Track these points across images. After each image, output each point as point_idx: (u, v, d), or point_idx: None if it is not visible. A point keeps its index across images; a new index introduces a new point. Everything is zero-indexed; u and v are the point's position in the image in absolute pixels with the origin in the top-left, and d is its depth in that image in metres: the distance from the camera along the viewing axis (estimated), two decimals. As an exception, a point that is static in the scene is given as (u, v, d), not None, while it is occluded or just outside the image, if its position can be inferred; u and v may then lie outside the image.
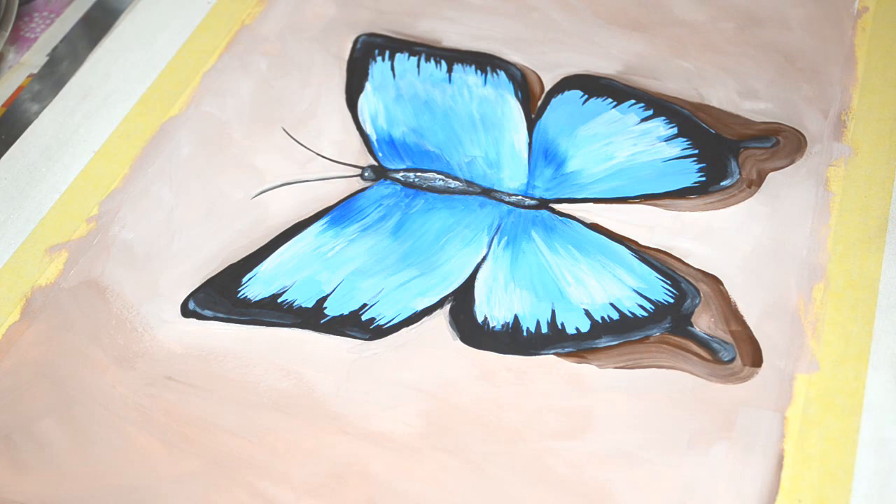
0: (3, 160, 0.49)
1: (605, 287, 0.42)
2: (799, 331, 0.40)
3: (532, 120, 0.48)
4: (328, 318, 0.42)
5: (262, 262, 0.44)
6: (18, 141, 0.50)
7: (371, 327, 0.42)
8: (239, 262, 0.44)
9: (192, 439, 0.39)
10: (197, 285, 0.44)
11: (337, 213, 0.46)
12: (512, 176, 0.46)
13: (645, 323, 0.41)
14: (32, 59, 0.55)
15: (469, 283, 0.43)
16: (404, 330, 0.41)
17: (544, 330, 0.41)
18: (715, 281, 0.42)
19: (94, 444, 0.39)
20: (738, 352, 0.40)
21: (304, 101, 0.50)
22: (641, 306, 0.41)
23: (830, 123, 0.46)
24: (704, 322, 0.41)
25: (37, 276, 0.44)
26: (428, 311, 0.42)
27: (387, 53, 0.52)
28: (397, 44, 0.53)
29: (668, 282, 0.42)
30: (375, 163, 0.48)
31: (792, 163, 0.45)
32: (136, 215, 0.46)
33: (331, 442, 0.38)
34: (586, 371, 0.40)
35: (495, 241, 0.44)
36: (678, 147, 0.47)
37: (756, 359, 0.39)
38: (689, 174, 0.46)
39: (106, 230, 0.46)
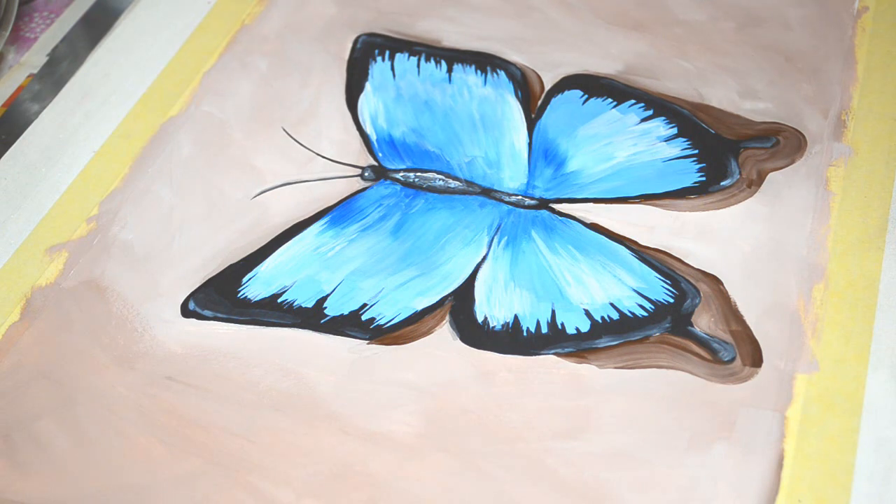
0: (3, 160, 0.49)
1: (605, 287, 0.42)
2: (799, 331, 0.40)
3: (532, 120, 0.48)
4: (328, 318, 0.42)
5: (262, 262, 0.44)
6: (18, 141, 0.50)
7: (371, 327, 0.42)
8: (239, 262, 0.44)
9: (192, 439, 0.39)
10: (197, 285, 0.44)
11: (337, 213, 0.46)
12: (512, 176, 0.46)
13: (645, 323, 0.41)
14: (32, 59, 0.55)
15: (469, 283, 0.43)
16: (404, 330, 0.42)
17: (544, 330, 0.41)
18: (715, 281, 0.42)
19: (94, 444, 0.39)
20: (738, 352, 0.40)
21: (304, 101, 0.50)
22: (641, 306, 0.41)
23: (830, 123, 0.46)
24: (704, 322, 0.41)
25: (37, 276, 0.44)
26: (428, 310, 0.42)
27: (387, 53, 0.52)
28: (397, 44, 0.53)
29: (668, 282, 0.42)
30: (375, 163, 0.47)
31: (792, 163, 0.45)
32: (136, 215, 0.46)
33: (331, 442, 0.38)
34: (586, 371, 0.40)
35: (495, 240, 0.44)
36: (678, 147, 0.47)
37: (756, 359, 0.39)
38: (689, 174, 0.46)
39: (106, 230, 0.46)
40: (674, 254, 0.43)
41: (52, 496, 0.38)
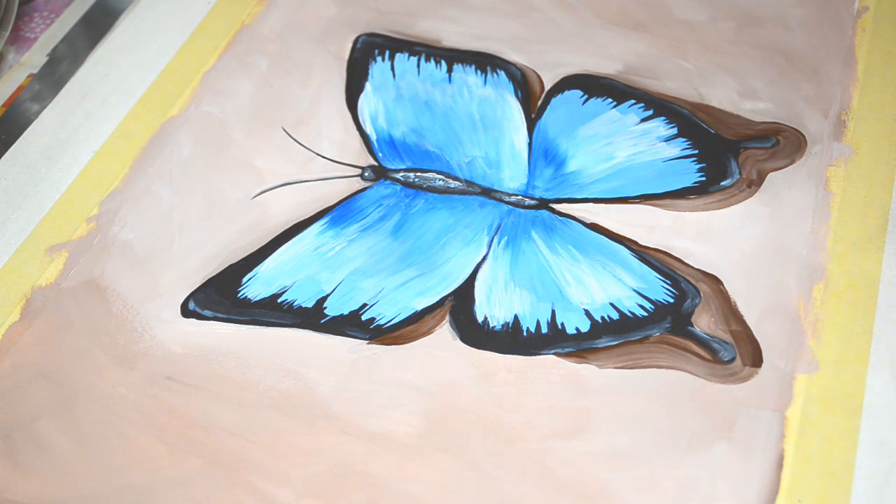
0: (3, 160, 0.49)
1: (605, 287, 0.42)
2: (799, 331, 0.40)
3: (532, 120, 0.48)
4: (328, 318, 0.42)
5: (262, 262, 0.44)
6: (18, 141, 0.50)
7: (371, 327, 0.42)
8: (239, 262, 0.44)
9: (192, 439, 0.39)
10: (197, 285, 0.44)
11: (337, 213, 0.46)
12: (512, 176, 0.46)
13: (645, 323, 0.41)
14: (32, 59, 0.55)
15: (469, 283, 0.43)
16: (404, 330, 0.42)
17: (544, 330, 0.41)
18: (715, 281, 0.42)
19: (94, 444, 0.39)
20: (738, 352, 0.40)
21: (304, 101, 0.50)
22: (641, 306, 0.41)
23: (830, 123, 0.47)
24: (704, 322, 0.41)
25: (37, 276, 0.44)
26: (428, 310, 0.42)
27: (387, 53, 0.52)
28: (397, 44, 0.53)
29: (668, 282, 0.42)
30: (375, 163, 0.48)
31: (792, 163, 0.45)
32: (136, 215, 0.46)
33: (331, 442, 0.38)
34: (586, 371, 0.40)
35: (495, 240, 0.44)
36: (678, 147, 0.47)
37: (756, 359, 0.39)
38: (689, 174, 0.46)
39: (106, 230, 0.46)
40: (674, 254, 0.43)
41: (52, 496, 0.38)
